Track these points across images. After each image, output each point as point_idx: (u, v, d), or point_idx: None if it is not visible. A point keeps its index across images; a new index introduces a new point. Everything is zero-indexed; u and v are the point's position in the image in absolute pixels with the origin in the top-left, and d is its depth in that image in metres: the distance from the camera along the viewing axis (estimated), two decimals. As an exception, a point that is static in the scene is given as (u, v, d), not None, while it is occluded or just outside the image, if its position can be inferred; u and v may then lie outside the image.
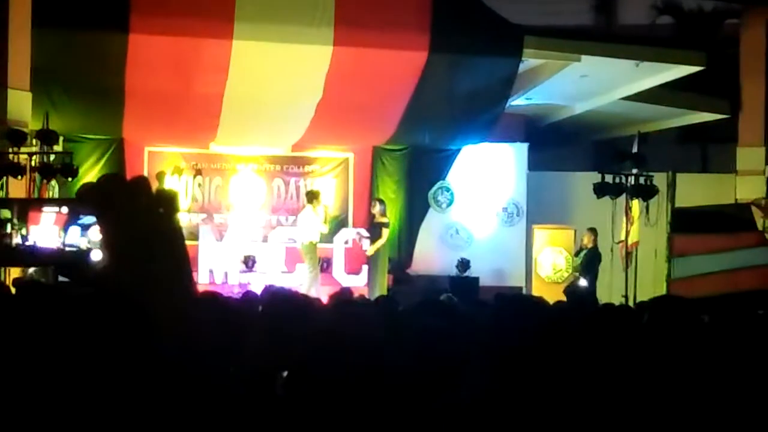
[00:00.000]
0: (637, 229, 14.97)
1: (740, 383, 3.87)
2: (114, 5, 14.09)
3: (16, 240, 11.53)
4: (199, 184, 17.20)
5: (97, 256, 10.23)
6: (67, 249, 11.19)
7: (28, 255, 11.41)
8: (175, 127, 16.22)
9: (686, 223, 12.97)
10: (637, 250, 14.98)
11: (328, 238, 16.25)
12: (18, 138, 13.13)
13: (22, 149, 13.41)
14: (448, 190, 17.85)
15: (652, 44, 17.02)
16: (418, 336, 3.87)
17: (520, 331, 4.41)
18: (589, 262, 15.66)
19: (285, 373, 3.50)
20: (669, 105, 18.39)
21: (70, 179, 14.18)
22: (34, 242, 11.37)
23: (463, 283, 16.40)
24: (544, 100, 18.11)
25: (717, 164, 21.09)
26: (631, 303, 12.84)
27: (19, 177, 13.27)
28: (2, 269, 12.45)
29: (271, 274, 15.79)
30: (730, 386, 3.82)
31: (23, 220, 11.43)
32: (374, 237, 15.96)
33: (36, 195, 13.88)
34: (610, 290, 14.88)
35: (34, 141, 13.88)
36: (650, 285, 13.86)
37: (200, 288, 9.57)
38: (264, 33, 14.50)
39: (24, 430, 2.26)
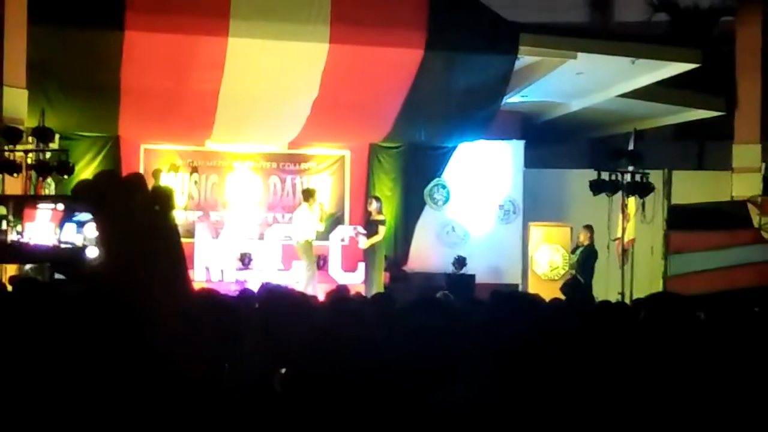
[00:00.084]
0: (634, 227, 14.99)
1: (736, 380, 3.87)
2: (110, 2, 14.07)
3: (12, 237, 11.52)
4: (195, 182, 17.18)
5: (92, 253, 10.21)
6: (63, 246, 11.17)
7: (23, 252, 11.39)
8: (171, 124, 16.21)
9: (682, 220, 12.98)
10: (633, 248, 15.01)
11: (324, 235, 16.24)
12: (14, 135, 13.12)
13: (18, 147, 13.41)
14: (444, 187, 17.84)
15: (648, 41, 17.03)
16: (414, 333, 3.87)
17: (517, 328, 4.41)
18: (586, 259, 15.67)
19: (282, 370, 3.50)
20: (665, 102, 18.40)
21: (66, 177, 14.18)
22: (30, 239, 11.36)
23: (459, 280, 16.41)
24: (540, 98, 18.11)
25: (713, 161, 21.08)
26: (627, 300, 12.86)
27: (15, 174, 13.27)
28: (-2, 266, 12.45)
29: (268, 272, 15.78)
30: (727, 383, 3.82)
31: (19, 217, 11.41)
32: (370, 234, 15.99)
33: (32, 192, 13.87)
34: (606, 287, 14.90)
35: (30, 138, 13.86)
36: (647, 282, 13.90)
37: (197, 285, 9.56)
38: (260, 30, 14.48)
39: (20, 424, 2.25)
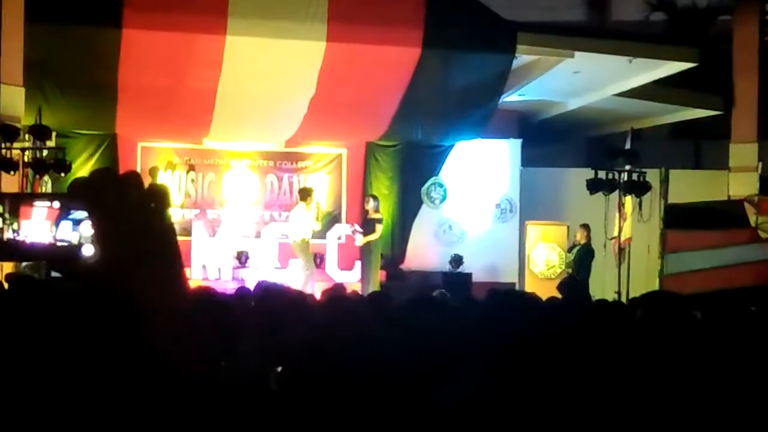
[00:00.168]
0: (630, 226, 15.01)
1: (733, 379, 3.87)
2: (107, 0, 14.07)
3: (8, 235, 11.50)
4: (192, 180, 17.17)
5: (88, 250, 10.20)
6: (59, 244, 11.15)
7: (19, 250, 11.37)
8: (168, 122, 16.20)
9: (679, 219, 13.00)
10: (629, 247, 15.02)
11: (321, 234, 16.24)
12: (11, 133, 13.10)
13: (15, 144, 13.39)
14: (441, 186, 17.85)
15: (645, 40, 17.04)
16: (411, 332, 3.86)
17: (513, 327, 4.41)
18: (582, 258, 15.69)
19: (278, 369, 3.50)
20: (662, 101, 18.42)
21: (63, 175, 14.16)
22: (26, 237, 11.34)
23: (456, 279, 16.40)
24: (538, 96, 18.12)
25: (710, 161, 21.12)
26: (624, 299, 12.87)
27: (12, 172, 13.25)
28: (-6, 264, 12.44)
29: (264, 270, 15.78)
30: (723, 382, 3.82)
31: (14, 214, 11.39)
32: (367, 233, 16.00)
33: (29, 190, 13.85)
34: (603, 286, 14.91)
35: (26, 136, 13.84)
36: (643, 281, 13.89)
37: (194, 283, 9.55)
38: (257, 29, 14.48)
39: (15, 424, 2.25)
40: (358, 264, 16.30)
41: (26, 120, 13.87)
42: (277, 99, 15.74)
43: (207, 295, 4.51)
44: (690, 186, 16.43)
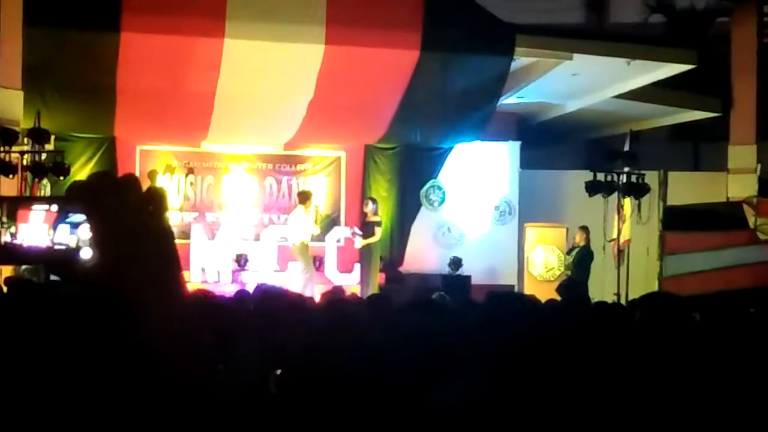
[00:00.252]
0: (629, 228, 15.01)
1: (732, 381, 3.87)
2: (106, 4, 14.05)
3: (6, 238, 11.49)
4: (191, 183, 17.17)
5: (86, 254, 10.19)
6: (57, 247, 11.14)
7: (17, 253, 11.37)
8: (167, 125, 16.19)
9: (678, 221, 13.01)
10: (629, 248, 15.01)
11: (320, 236, 16.24)
12: (9, 137, 13.10)
13: (14, 148, 13.38)
14: (439, 188, 17.84)
15: (643, 42, 17.05)
16: (410, 334, 3.86)
17: (513, 329, 4.41)
18: (581, 260, 15.68)
19: (277, 371, 3.50)
20: (661, 103, 18.42)
21: (61, 178, 14.16)
22: (24, 241, 11.33)
23: (455, 281, 16.39)
24: (536, 99, 18.12)
25: (708, 162, 21.10)
26: (623, 301, 12.86)
27: (11, 176, 13.25)
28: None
29: (264, 273, 15.77)
30: (722, 384, 3.82)
31: (12, 218, 11.38)
32: (367, 236, 15.98)
33: (27, 194, 13.84)
34: (602, 288, 14.89)
35: (25, 140, 13.84)
36: (642, 283, 13.89)
37: (193, 287, 9.53)
38: (256, 31, 14.48)
39: (14, 426, 2.25)
40: (357, 267, 16.29)
41: (25, 123, 13.87)
42: (275, 102, 15.74)
43: (205, 298, 4.51)
44: (689, 188, 16.43)
